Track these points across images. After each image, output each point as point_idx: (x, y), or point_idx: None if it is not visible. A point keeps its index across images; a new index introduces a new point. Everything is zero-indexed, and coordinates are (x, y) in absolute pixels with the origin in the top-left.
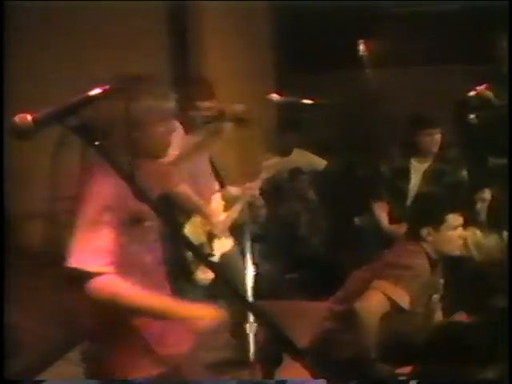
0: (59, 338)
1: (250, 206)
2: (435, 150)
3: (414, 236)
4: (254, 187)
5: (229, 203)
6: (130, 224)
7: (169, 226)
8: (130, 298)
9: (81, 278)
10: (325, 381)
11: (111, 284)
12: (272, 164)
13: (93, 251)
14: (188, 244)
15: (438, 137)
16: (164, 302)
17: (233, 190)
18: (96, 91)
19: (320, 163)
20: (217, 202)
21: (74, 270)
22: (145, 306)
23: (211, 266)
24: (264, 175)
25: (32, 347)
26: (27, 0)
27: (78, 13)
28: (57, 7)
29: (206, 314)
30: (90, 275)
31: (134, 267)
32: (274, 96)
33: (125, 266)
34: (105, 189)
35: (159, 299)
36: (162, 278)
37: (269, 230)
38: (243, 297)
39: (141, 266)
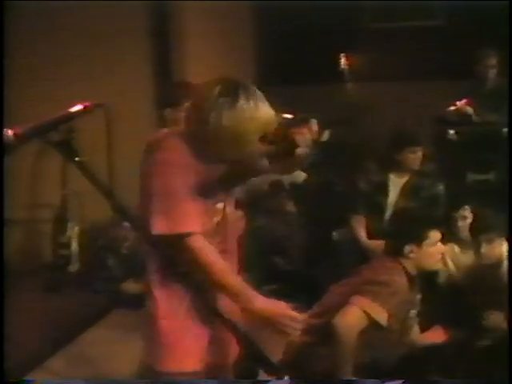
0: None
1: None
2: (417, 167)
3: (393, 252)
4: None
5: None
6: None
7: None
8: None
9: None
10: None
11: (205, 246)
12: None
13: (178, 216)
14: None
15: (420, 154)
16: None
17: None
18: (77, 107)
19: (299, 176)
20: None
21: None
22: (223, 277)
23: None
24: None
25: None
26: (27, 0)
27: (60, 15)
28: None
29: (283, 313)
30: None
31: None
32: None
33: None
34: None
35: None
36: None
37: (246, 241)
38: (217, 310)
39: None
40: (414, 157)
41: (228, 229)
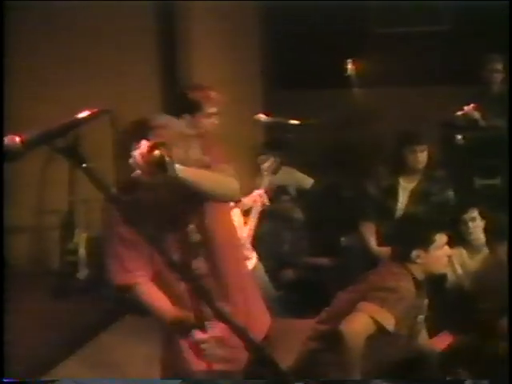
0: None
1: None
2: (421, 166)
3: (400, 257)
4: (263, 194)
5: (246, 216)
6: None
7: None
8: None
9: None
10: None
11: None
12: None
13: (129, 265)
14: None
15: (424, 154)
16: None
17: (246, 201)
18: (84, 114)
19: (307, 182)
20: (238, 218)
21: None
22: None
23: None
24: (267, 180)
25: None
26: (27, 0)
27: (64, 15)
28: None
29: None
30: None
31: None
32: (261, 116)
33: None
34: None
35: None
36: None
37: (254, 247)
38: (225, 314)
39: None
40: (418, 156)
41: (210, 246)
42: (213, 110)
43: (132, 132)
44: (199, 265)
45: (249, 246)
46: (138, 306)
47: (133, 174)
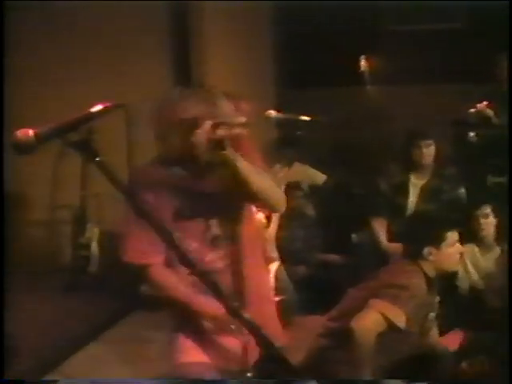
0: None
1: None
2: (428, 162)
3: (411, 255)
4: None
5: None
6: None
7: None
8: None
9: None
10: None
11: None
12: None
13: (144, 246)
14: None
15: (430, 149)
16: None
17: None
18: (97, 108)
19: (320, 178)
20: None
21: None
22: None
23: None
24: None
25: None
26: (27, 0)
27: (78, 13)
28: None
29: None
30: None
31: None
32: (272, 113)
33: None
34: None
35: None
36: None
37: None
38: (238, 311)
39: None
40: (425, 151)
41: (233, 243)
42: (242, 119)
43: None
44: (215, 258)
45: (273, 247)
46: (148, 301)
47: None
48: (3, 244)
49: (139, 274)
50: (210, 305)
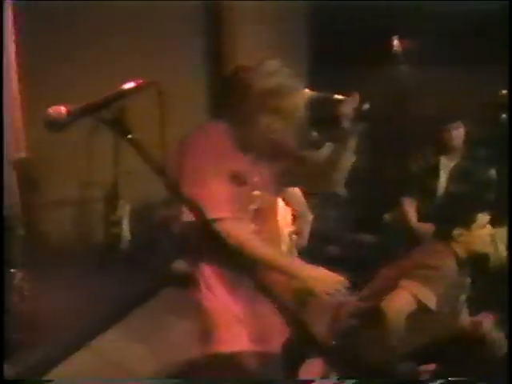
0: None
1: None
2: (458, 144)
3: (443, 236)
4: None
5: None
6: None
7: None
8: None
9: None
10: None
11: (235, 228)
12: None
13: (213, 202)
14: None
15: (459, 131)
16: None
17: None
18: (129, 85)
19: (351, 158)
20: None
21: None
22: (266, 256)
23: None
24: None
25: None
26: (27, 0)
27: (104, 10)
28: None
29: (328, 278)
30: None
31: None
32: (306, 91)
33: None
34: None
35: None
36: None
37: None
38: (268, 290)
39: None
40: (454, 133)
41: (266, 215)
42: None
43: None
44: (255, 231)
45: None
46: (180, 278)
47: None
48: (3, 242)
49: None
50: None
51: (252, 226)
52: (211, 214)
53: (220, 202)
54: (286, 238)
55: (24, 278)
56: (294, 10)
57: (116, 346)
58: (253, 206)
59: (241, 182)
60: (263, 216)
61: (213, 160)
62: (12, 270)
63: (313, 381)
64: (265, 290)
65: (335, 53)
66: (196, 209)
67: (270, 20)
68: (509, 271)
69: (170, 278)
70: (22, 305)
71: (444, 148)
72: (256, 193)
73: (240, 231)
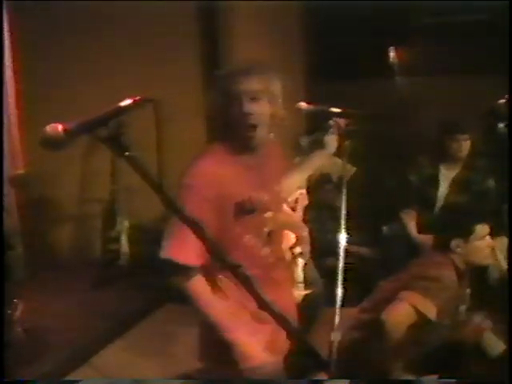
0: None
1: None
2: (463, 155)
3: (442, 247)
4: (304, 193)
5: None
6: (244, 214)
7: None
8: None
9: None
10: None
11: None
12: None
13: (186, 245)
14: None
15: (466, 143)
16: (225, 322)
17: (290, 200)
18: (127, 102)
19: (350, 169)
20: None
21: (167, 260)
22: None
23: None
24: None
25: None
26: (27, 0)
27: (103, 13)
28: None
29: (257, 355)
30: (180, 268)
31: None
32: (303, 104)
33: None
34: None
35: (222, 317)
36: (281, 273)
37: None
38: (269, 303)
39: (256, 259)
40: (459, 145)
41: (277, 238)
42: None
43: None
44: (268, 253)
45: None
46: (178, 294)
47: None
48: (4, 247)
49: (175, 273)
50: (241, 335)
51: (269, 249)
52: (181, 258)
53: (192, 248)
54: (297, 260)
55: (25, 309)
56: (291, 23)
57: (116, 361)
58: (266, 229)
59: (249, 209)
60: (275, 239)
61: (210, 206)
62: (15, 300)
63: (313, 381)
64: (264, 304)
65: (333, 66)
66: (194, 226)
67: (268, 32)
68: (509, 278)
69: (168, 294)
70: (23, 336)
71: (445, 158)
72: (268, 214)
73: (205, 295)
